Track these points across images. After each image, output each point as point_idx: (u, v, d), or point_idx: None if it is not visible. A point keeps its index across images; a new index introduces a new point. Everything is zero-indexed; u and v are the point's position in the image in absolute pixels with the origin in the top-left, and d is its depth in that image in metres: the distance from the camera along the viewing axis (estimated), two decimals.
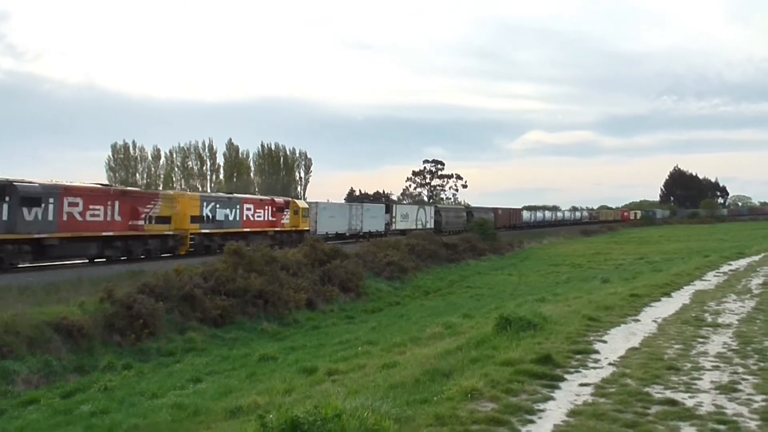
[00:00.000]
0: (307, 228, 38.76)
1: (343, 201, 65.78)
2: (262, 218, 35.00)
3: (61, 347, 14.30)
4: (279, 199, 38.44)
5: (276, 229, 36.00)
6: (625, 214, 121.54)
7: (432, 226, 58.87)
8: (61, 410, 11.30)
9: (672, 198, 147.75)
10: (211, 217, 30.64)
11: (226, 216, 31.85)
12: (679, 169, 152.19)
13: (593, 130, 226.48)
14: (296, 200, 40.73)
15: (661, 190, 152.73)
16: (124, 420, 9.99)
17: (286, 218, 37.19)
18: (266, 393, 9.24)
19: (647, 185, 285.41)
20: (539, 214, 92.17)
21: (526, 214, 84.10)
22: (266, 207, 35.78)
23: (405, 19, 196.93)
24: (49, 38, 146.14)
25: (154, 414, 10.03)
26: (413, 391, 6.80)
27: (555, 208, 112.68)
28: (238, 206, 33.09)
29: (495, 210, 73.27)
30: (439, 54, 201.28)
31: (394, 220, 52.72)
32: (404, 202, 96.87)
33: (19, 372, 12.94)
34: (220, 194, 33.74)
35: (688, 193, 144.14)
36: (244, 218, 33.40)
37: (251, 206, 34.42)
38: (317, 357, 13.59)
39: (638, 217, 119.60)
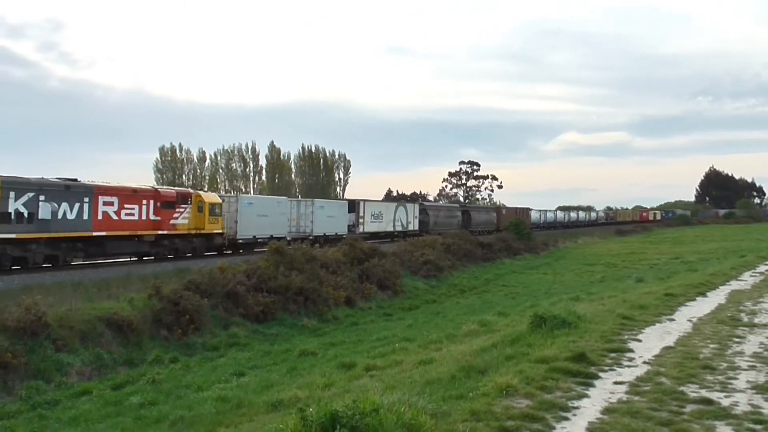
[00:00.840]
0: (219, 231, 29.50)
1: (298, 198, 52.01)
2: (134, 217, 24.89)
3: (112, 341, 14.91)
4: (168, 190, 27.95)
5: (160, 232, 26.10)
6: (644, 214, 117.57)
7: (416, 228, 49.63)
8: (111, 401, 11.86)
9: (707, 198, 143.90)
10: (26, 214, 20.80)
11: (60, 213, 21.82)
12: (715, 169, 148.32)
13: (627, 131, 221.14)
14: (202, 193, 31.07)
15: (697, 190, 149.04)
16: (171, 411, 10.47)
17: (182, 217, 27.27)
18: (306, 387, 9.55)
19: (682, 186, 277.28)
20: (550, 215, 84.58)
21: (534, 215, 75.06)
22: (144, 201, 25.44)
23: (442, 24, 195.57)
24: (101, 46, 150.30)
25: (200, 406, 10.46)
26: (449, 387, 6.90)
27: (589, 209, 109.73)
28: (86, 199, 22.82)
29: (498, 209, 68.71)
30: (475, 58, 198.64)
31: (361, 220, 43.60)
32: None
33: (73, 364, 13.58)
34: (50, 179, 22.51)
35: (724, 194, 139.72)
36: (99, 216, 23.28)
37: (114, 199, 24.06)
38: (356, 353, 13.88)
39: (657, 218, 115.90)
